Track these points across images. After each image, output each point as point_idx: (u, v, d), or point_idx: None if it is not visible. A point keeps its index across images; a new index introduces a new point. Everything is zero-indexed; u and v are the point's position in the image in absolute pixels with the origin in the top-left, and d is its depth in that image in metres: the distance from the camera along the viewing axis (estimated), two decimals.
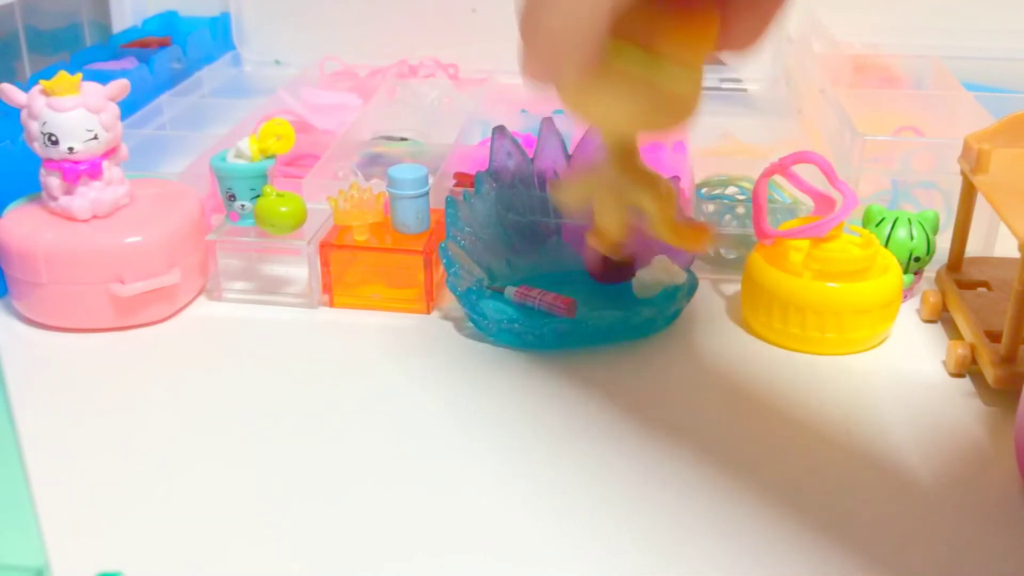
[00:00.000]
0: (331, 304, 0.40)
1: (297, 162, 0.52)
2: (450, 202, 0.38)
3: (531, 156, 0.41)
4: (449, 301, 0.41)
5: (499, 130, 0.40)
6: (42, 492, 0.23)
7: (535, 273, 0.41)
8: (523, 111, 0.54)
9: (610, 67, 0.28)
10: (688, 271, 0.39)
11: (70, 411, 0.34)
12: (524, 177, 0.40)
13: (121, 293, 0.37)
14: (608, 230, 0.32)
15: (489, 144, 0.40)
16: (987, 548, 0.28)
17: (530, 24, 0.26)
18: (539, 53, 0.27)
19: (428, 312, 0.40)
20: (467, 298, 0.37)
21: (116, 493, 0.30)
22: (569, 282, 0.40)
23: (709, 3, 0.28)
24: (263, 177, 0.40)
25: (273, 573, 0.27)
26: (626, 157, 0.32)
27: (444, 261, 0.38)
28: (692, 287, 0.39)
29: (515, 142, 0.40)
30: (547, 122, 0.40)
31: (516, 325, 0.37)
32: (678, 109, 0.29)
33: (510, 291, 0.38)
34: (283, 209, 0.39)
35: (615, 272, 0.39)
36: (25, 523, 0.23)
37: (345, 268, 0.40)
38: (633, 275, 0.39)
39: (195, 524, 0.29)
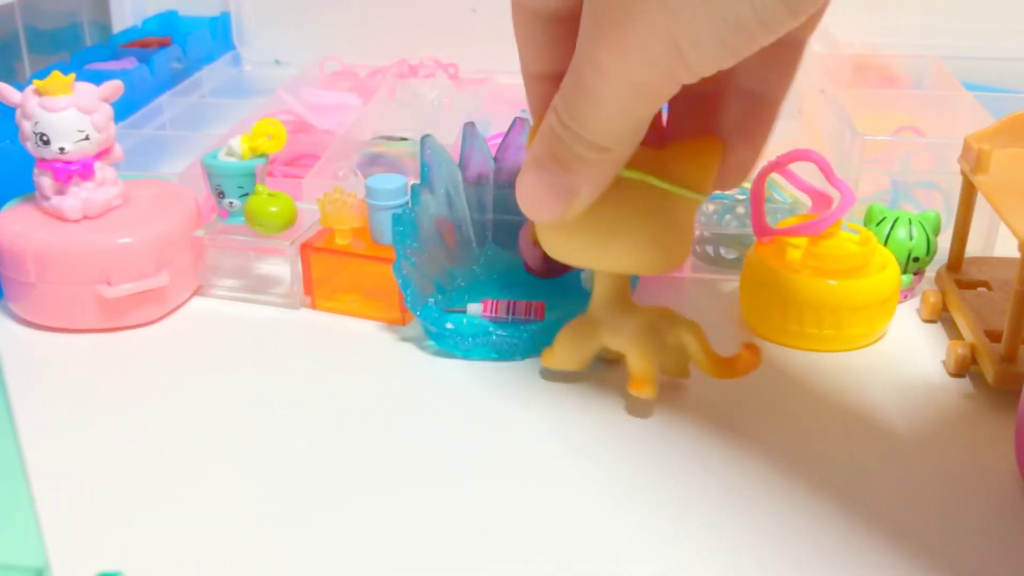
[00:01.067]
0: (312, 306, 0.40)
1: (297, 162, 0.52)
2: (397, 219, 0.36)
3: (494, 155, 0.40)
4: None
5: (470, 127, 0.39)
6: (42, 492, 0.23)
7: (475, 280, 0.39)
8: (523, 111, 0.54)
9: (620, 203, 0.28)
10: None
11: (67, 411, 0.34)
12: (489, 175, 0.40)
13: (108, 295, 0.37)
14: (648, 374, 0.32)
15: (460, 142, 0.39)
16: (987, 548, 0.28)
17: (557, 133, 0.25)
18: (561, 165, 0.26)
19: (404, 323, 0.39)
20: (429, 316, 0.36)
21: (115, 493, 0.30)
22: (512, 285, 0.39)
23: (712, 132, 0.29)
24: (252, 176, 0.40)
25: (273, 572, 0.27)
26: (625, 310, 0.32)
27: (400, 282, 0.36)
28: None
29: (482, 140, 0.40)
30: (469, 127, 0.39)
31: (493, 336, 0.36)
32: (686, 243, 0.29)
33: (474, 309, 0.37)
34: (272, 209, 0.39)
35: (557, 266, 0.38)
36: (25, 523, 0.23)
37: (330, 271, 0.40)
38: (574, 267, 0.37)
39: (194, 524, 0.29)
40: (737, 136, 0.29)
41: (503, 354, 0.37)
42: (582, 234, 0.29)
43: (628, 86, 0.24)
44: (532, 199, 0.27)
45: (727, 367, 0.32)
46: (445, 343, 0.37)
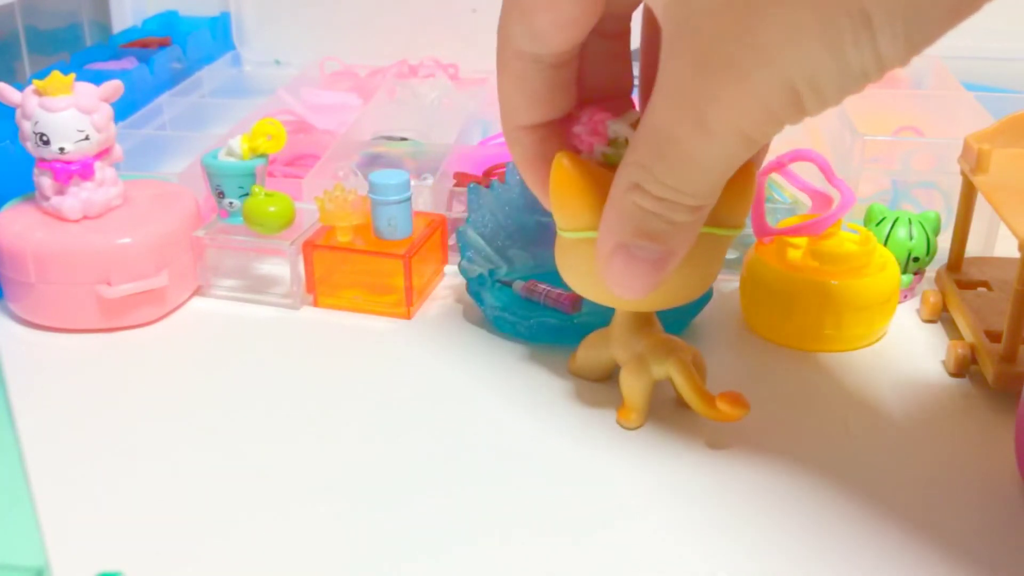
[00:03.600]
0: (315, 304, 0.40)
1: (297, 162, 0.52)
2: (473, 189, 0.39)
3: None
4: (432, 307, 0.41)
5: None
6: (42, 492, 0.23)
7: (554, 268, 0.41)
8: None
9: None
10: None
11: (67, 411, 0.34)
12: None
13: (108, 295, 0.37)
14: (633, 403, 0.32)
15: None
16: (986, 548, 0.28)
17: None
18: (656, 240, 0.24)
19: (409, 317, 0.39)
20: (474, 284, 0.38)
21: (115, 493, 0.30)
22: None
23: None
24: (252, 176, 0.40)
25: (273, 571, 0.27)
26: (638, 327, 0.32)
27: (460, 245, 0.39)
28: (701, 299, 0.38)
29: None
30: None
31: (507, 314, 0.37)
32: (717, 272, 0.29)
33: (518, 285, 0.38)
34: (271, 209, 0.39)
35: None
36: (25, 523, 0.23)
37: (332, 269, 0.40)
38: None
39: (194, 524, 0.29)
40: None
41: (520, 335, 0.37)
42: None
43: (740, 139, 0.22)
44: (626, 282, 0.25)
45: (711, 407, 0.31)
46: (483, 308, 0.38)
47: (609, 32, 0.28)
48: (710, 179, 0.23)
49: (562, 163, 0.27)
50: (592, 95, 0.29)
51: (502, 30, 0.26)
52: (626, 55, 0.29)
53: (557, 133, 0.28)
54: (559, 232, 0.29)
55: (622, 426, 0.33)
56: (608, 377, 0.35)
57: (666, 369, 0.32)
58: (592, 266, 0.27)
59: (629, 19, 0.28)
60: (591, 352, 0.34)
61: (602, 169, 0.28)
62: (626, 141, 0.28)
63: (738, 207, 0.28)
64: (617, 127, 0.28)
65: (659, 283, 0.26)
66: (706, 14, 0.21)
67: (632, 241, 0.25)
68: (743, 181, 0.28)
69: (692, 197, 0.24)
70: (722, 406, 0.31)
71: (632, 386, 0.32)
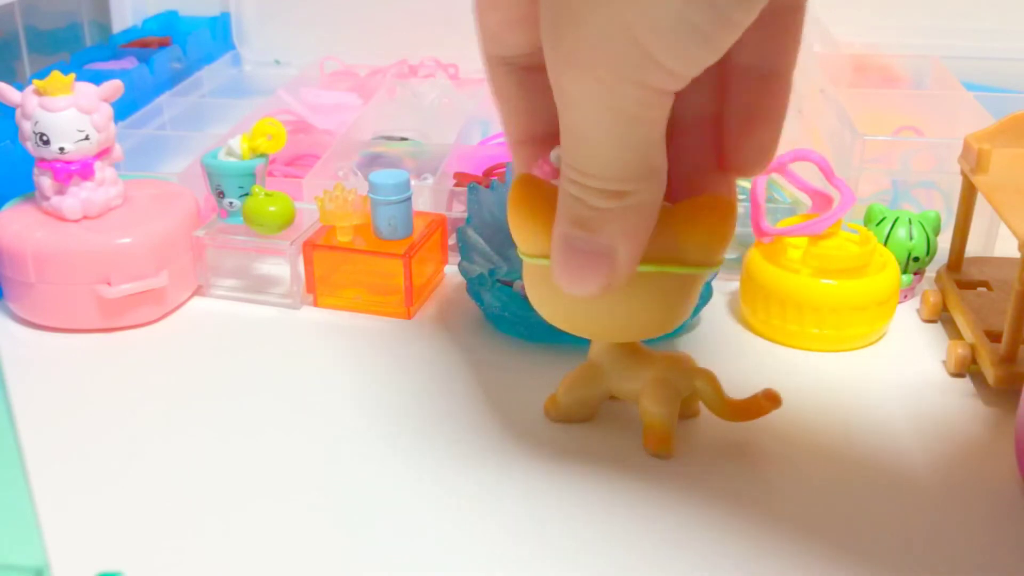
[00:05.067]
0: (315, 304, 0.40)
1: (297, 162, 0.52)
2: (473, 188, 0.39)
3: None
4: (432, 307, 0.40)
5: None
6: (42, 492, 0.23)
7: None
8: None
9: (633, 284, 0.25)
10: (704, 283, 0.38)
11: (67, 411, 0.34)
12: None
13: (108, 295, 0.37)
14: (667, 428, 0.30)
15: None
16: (986, 548, 0.28)
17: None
18: (587, 227, 0.23)
19: (409, 317, 0.39)
20: (474, 284, 0.38)
21: (115, 493, 0.30)
22: None
23: (720, 186, 0.26)
24: (252, 176, 0.40)
25: (274, 570, 0.27)
26: (640, 354, 0.31)
27: (460, 245, 0.38)
28: (702, 300, 0.38)
29: None
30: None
31: (507, 314, 0.37)
32: (692, 305, 0.27)
33: (518, 285, 0.39)
34: (271, 209, 0.39)
35: None
36: (25, 523, 0.23)
37: (332, 269, 0.40)
38: None
39: (194, 523, 0.29)
40: (752, 119, 0.26)
41: (520, 334, 0.38)
42: (591, 310, 0.26)
43: (604, 110, 0.21)
44: (570, 276, 0.24)
45: (742, 411, 0.31)
46: (478, 299, 0.38)
47: None
48: (605, 159, 0.22)
49: (517, 184, 0.26)
50: None
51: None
52: None
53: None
54: (522, 257, 0.27)
55: (659, 456, 0.31)
56: (594, 416, 0.33)
57: (692, 383, 0.31)
58: (558, 293, 0.25)
59: None
60: (581, 392, 0.32)
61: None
62: None
63: (708, 244, 0.26)
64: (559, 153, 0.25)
65: (610, 283, 0.24)
66: None
67: (569, 231, 0.24)
68: (713, 217, 0.25)
69: (599, 180, 0.22)
70: (760, 401, 0.31)
71: (662, 412, 0.30)
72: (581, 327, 0.27)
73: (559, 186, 0.24)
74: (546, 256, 0.25)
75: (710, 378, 0.31)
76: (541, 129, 0.26)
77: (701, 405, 0.33)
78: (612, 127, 0.21)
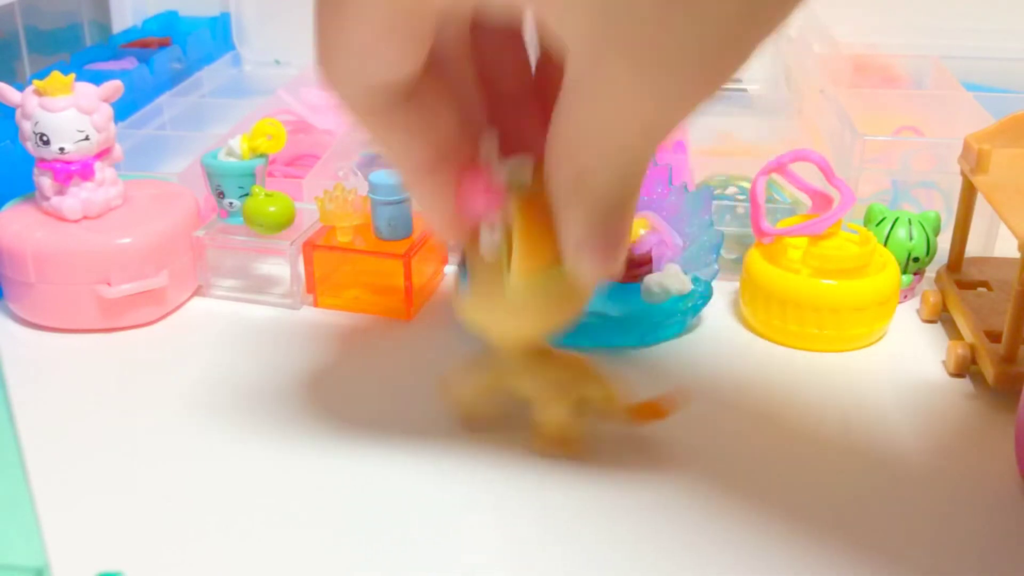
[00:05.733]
0: (315, 304, 0.40)
1: (297, 162, 0.52)
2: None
3: None
4: (432, 308, 0.40)
5: None
6: (42, 492, 0.23)
7: None
8: None
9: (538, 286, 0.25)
10: (703, 282, 0.38)
11: (67, 411, 0.34)
12: None
13: (108, 295, 0.37)
14: (558, 429, 0.30)
15: None
16: (986, 547, 0.28)
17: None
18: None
19: (409, 318, 0.39)
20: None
21: (116, 493, 0.30)
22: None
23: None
24: (252, 176, 0.40)
25: (275, 570, 0.27)
26: (540, 354, 0.30)
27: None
28: (702, 299, 0.38)
29: None
30: None
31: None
32: (578, 301, 0.28)
33: None
34: (271, 209, 0.39)
35: (633, 271, 0.39)
36: (25, 523, 0.23)
37: (332, 269, 0.40)
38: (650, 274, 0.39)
39: (194, 524, 0.29)
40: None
41: None
42: (487, 312, 0.27)
43: (352, 80, 0.21)
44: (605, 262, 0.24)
45: (643, 413, 0.31)
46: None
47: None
48: (376, 132, 0.22)
49: (521, 214, 0.25)
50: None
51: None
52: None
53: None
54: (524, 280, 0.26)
55: (554, 455, 0.31)
56: (490, 407, 0.32)
57: (586, 389, 0.30)
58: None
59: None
60: (471, 379, 0.31)
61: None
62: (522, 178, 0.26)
63: (533, 249, 0.25)
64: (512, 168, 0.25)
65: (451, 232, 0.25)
66: None
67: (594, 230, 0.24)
68: (533, 224, 0.25)
69: (389, 151, 0.23)
70: (655, 405, 0.31)
71: (558, 412, 0.30)
72: (496, 326, 0.28)
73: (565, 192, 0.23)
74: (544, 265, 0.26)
75: (604, 385, 0.30)
76: (444, 149, 0.25)
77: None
78: (359, 99, 0.22)
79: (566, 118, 0.22)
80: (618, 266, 0.24)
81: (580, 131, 0.22)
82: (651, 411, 0.31)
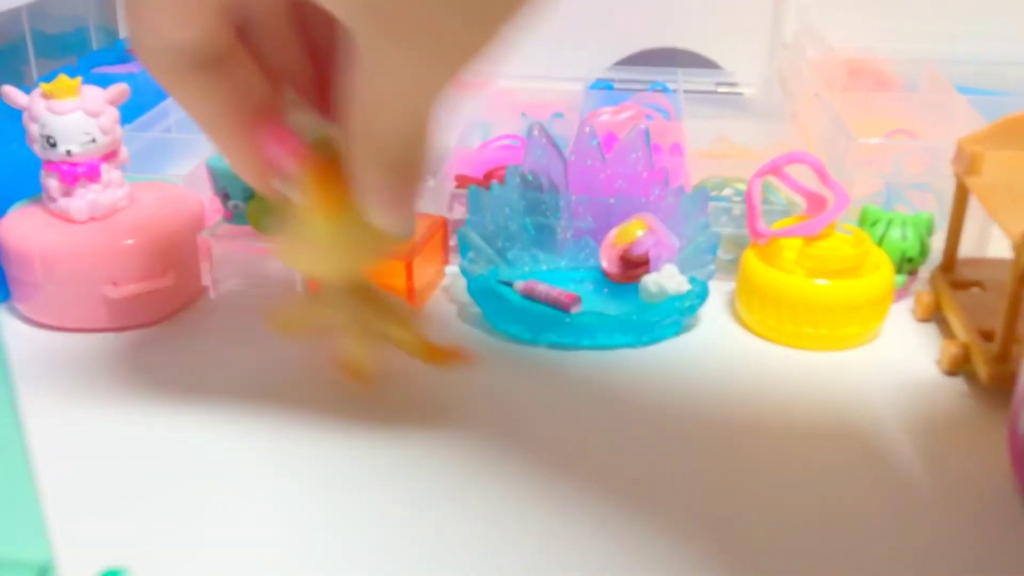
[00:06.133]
0: None
1: None
2: (473, 191, 0.40)
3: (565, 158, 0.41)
4: (433, 307, 0.41)
5: (537, 128, 0.41)
6: (48, 489, 0.24)
7: (555, 268, 0.41)
8: (523, 114, 0.55)
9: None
10: (700, 282, 0.38)
11: (74, 409, 0.35)
12: (555, 178, 0.41)
13: (114, 295, 0.38)
14: (356, 361, 0.33)
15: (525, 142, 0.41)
16: (979, 546, 0.28)
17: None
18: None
19: None
20: (475, 284, 0.38)
21: (122, 490, 0.31)
22: (586, 280, 0.41)
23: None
24: None
25: (276, 568, 0.28)
26: (357, 291, 0.33)
27: (461, 246, 0.39)
28: (698, 299, 0.38)
29: (553, 142, 0.41)
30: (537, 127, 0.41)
31: (507, 314, 0.38)
32: (376, 247, 0.30)
33: (518, 285, 0.39)
34: None
35: (632, 272, 0.40)
36: (31, 519, 0.23)
37: None
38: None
39: (199, 521, 0.29)
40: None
41: (521, 336, 0.38)
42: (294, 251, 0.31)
43: (159, 45, 0.22)
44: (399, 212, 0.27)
45: (437, 356, 0.33)
46: (483, 310, 0.39)
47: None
48: (180, 95, 0.24)
49: (315, 171, 0.28)
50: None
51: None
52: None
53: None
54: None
55: (350, 384, 0.33)
56: (313, 331, 0.35)
57: (389, 326, 0.33)
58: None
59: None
60: (300, 311, 0.35)
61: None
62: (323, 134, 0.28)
63: (331, 197, 0.28)
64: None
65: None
66: None
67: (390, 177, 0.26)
68: (329, 175, 0.28)
69: (193, 112, 0.26)
70: (449, 351, 0.33)
71: (356, 346, 0.33)
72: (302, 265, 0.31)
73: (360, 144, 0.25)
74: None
75: (409, 327, 0.33)
76: (254, 114, 0.26)
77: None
78: (164, 68, 0.24)
79: (351, 87, 0.24)
80: (410, 219, 0.27)
81: (363, 99, 0.24)
82: (448, 355, 0.33)
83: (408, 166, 0.25)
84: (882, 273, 0.38)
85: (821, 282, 0.37)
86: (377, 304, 0.33)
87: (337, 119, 0.26)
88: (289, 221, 0.30)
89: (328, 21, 0.24)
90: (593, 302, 0.39)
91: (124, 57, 0.63)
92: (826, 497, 0.30)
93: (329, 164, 0.28)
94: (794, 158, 0.38)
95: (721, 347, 0.38)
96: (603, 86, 0.63)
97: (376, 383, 0.34)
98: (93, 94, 0.38)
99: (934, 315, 0.40)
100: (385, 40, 0.22)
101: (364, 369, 0.33)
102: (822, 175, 0.38)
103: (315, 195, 0.28)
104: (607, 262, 0.40)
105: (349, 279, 0.33)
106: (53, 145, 0.38)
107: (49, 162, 0.39)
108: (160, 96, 0.59)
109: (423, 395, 0.35)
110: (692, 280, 0.39)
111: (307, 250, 0.30)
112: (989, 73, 0.59)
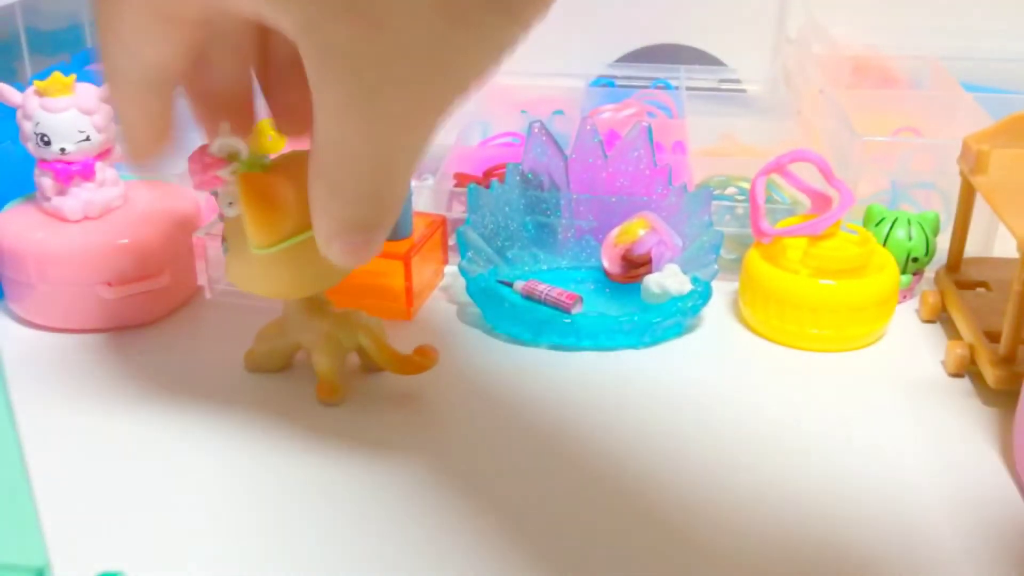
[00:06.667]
0: None
1: None
2: (473, 189, 0.39)
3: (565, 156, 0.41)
4: (432, 307, 0.41)
5: (537, 125, 0.40)
6: (43, 492, 0.24)
7: (556, 267, 0.41)
8: (523, 112, 0.54)
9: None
10: (703, 282, 0.38)
11: (68, 411, 0.34)
12: (556, 177, 0.41)
13: (108, 295, 0.37)
14: (327, 378, 0.34)
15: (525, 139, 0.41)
16: (984, 547, 0.28)
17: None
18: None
19: (409, 318, 0.40)
20: (474, 284, 0.38)
21: (117, 493, 0.30)
22: (587, 280, 0.41)
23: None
24: None
25: (273, 570, 0.27)
26: (315, 309, 0.34)
27: (460, 245, 0.39)
28: (701, 299, 0.38)
29: (554, 140, 0.41)
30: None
31: (507, 314, 0.37)
32: (330, 269, 0.29)
33: (518, 285, 0.39)
34: None
35: (637, 272, 0.40)
36: (26, 523, 0.23)
37: None
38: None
39: (195, 524, 0.29)
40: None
41: (521, 336, 0.38)
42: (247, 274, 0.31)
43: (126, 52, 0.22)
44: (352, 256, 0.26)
45: (403, 365, 0.34)
46: (483, 310, 0.39)
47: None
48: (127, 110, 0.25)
49: (249, 185, 0.29)
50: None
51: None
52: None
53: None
54: (257, 251, 0.30)
55: (325, 403, 0.34)
56: (288, 366, 0.36)
57: (356, 340, 0.34)
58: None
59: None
60: (269, 344, 0.35)
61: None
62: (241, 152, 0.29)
63: (263, 220, 0.29)
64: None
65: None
66: None
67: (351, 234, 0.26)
68: (259, 197, 0.29)
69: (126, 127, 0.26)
70: (416, 359, 0.33)
71: (327, 363, 0.33)
72: (279, 289, 0.32)
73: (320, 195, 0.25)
74: (283, 241, 0.29)
75: (373, 335, 0.34)
76: (170, 135, 0.27)
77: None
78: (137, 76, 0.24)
79: (315, 137, 0.23)
80: (369, 258, 0.26)
81: (325, 150, 0.23)
82: (412, 364, 0.34)
83: (367, 225, 0.24)
84: (887, 273, 0.38)
85: (826, 282, 0.37)
86: (341, 319, 0.34)
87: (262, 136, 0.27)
88: (232, 241, 0.31)
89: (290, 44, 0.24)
90: (594, 302, 0.39)
91: None
92: (831, 498, 0.30)
93: (256, 186, 0.28)
94: (798, 156, 0.38)
95: (724, 348, 0.38)
96: (604, 83, 0.63)
97: (346, 399, 0.34)
98: (87, 92, 0.38)
99: (939, 315, 0.40)
100: (340, 97, 0.21)
101: (336, 385, 0.34)
102: (827, 173, 0.38)
103: (246, 217, 0.29)
104: (608, 262, 0.40)
105: (307, 298, 0.33)
106: (47, 143, 0.37)
107: (43, 160, 0.38)
108: None
109: (423, 396, 0.35)
110: (695, 280, 0.38)
111: (251, 271, 0.31)
112: (995, 70, 0.59)
